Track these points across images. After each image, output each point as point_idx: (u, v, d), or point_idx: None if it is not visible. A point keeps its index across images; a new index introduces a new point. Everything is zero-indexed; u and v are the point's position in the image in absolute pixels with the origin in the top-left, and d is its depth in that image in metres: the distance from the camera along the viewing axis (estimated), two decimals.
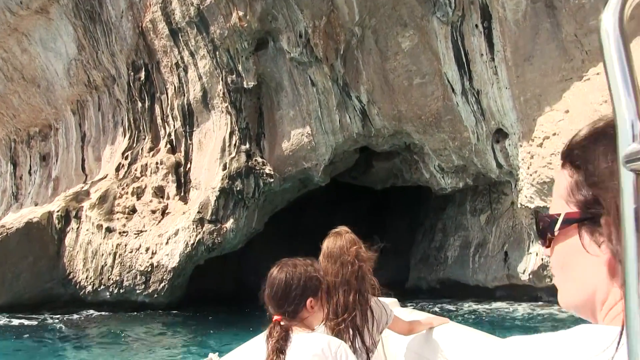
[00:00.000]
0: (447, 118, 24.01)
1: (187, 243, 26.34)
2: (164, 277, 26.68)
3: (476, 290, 28.99)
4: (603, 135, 1.13)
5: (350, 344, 3.73)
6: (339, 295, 3.88)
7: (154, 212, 28.06)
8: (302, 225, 40.59)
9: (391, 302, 5.07)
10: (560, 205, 1.19)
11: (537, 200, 21.80)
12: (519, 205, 23.46)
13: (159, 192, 29.03)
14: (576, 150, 1.18)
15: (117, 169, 30.57)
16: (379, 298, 4.29)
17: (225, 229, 26.66)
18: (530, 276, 24.26)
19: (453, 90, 23.49)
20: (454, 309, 26.91)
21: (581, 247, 1.14)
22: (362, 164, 31.84)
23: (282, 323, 3.08)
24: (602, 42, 0.89)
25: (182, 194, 28.30)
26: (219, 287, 36.28)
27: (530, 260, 24.58)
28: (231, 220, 26.76)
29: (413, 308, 6.50)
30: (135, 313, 26.85)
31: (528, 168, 21.81)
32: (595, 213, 1.12)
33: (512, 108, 22.25)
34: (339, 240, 4.11)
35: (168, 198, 28.73)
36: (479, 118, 23.36)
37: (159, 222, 27.64)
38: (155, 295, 26.85)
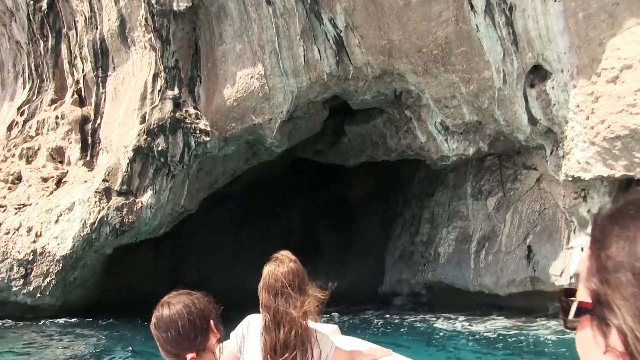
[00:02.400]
0: (460, 50, 16.04)
1: (84, 222, 17.94)
2: (50, 269, 18.11)
3: (479, 298, 20.99)
4: (622, 214, 1.06)
5: None
6: (279, 331, 3.45)
7: (45, 180, 19.54)
8: (253, 214, 32.39)
9: (332, 331, 4.84)
10: (581, 290, 1.11)
11: (600, 166, 14.05)
12: (562, 177, 15.50)
13: (57, 154, 20.50)
14: (596, 230, 1.10)
15: (9, 128, 21.84)
16: (318, 325, 3.63)
17: (140, 204, 18.29)
18: (573, 280, 16.18)
19: (472, 6, 15.47)
20: (445, 326, 18.90)
21: (594, 341, 1.05)
22: (330, 133, 23.67)
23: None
24: None
25: (88, 157, 19.80)
26: (148, 288, 27.81)
27: (572, 257, 16.57)
28: (149, 193, 18.40)
29: (363, 341, 4.99)
30: (10, 323, 18.24)
31: (588, 118, 13.98)
32: (603, 307, 1.03)
33: (562, 31, 14.36)
34: (280, 268, 3.53)
35: (69, 163, 20.17)
36: (509, 49, 15.44)
37: (51, 193, 19.01)
38: (39, 295, 18.21)
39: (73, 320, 19.18)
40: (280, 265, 3.56)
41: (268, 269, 3.58)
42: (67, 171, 19.88)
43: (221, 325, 2.82)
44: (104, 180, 18.38)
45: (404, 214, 27.05)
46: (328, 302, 3.58)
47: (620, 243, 1.02)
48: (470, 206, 21.82)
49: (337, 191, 32.29)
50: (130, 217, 18.12)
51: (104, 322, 19.42)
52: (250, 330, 3.57)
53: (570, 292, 1.15)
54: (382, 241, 29.17)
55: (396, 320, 20.31)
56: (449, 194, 23.47)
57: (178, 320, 2.62)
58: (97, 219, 17.96)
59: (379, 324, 19.38)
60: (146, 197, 18.43)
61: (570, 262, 16.58)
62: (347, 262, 31.60)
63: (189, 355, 2.63)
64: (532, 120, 15.96)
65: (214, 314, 2.79)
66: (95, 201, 18.09)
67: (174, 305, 2.67)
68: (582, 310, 1.07)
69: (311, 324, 3.52)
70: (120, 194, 18.34)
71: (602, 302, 1.02)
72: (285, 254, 3.66)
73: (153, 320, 2.67)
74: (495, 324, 18.64)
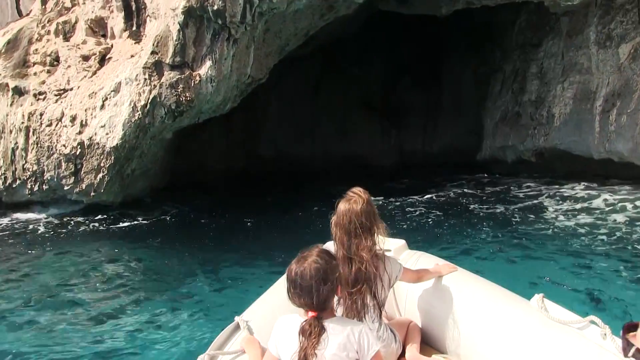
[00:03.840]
0: None
1: (133, 105, 14.62)
2: (101, 164, 15.00)
3: (606, 166, 17.05)
4: None
5: (364, 305, 3.70)
6: (351, 267, 3.68)
7: (86, 58, 16.12)
8: (329, 78, 28.46)
9: (400, 247, 5.02)
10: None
11: None
12: None
13: (98, 27, 17.01)
14: None
15: (44, 1, 18.22)
16: (387, 240, 4.05)
17: (198, 77, 14.79)
18: None
19: None
20: (558, 197, 15.37)
21: None
22: None
23: (317, 319, 2.90)
24: None
25: (134, 27, 16.15)
26: (221, 169, 24.96)
27: None
28: (208, 64, 14.84)
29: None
30: (78, 219, 15.61)
31: None
32: None
33: None
34: (354, 207, 3.73)
35: (112, 36, 16.64)
36: None
37: (94, 74, 15.63)
38: (93, 193, 15.23)
39: (131, 212, 16.38)
40: (355, 205, 3.71)
41: (342, 207, 3.73)
42: (112, 46, 16.40)
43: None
44: (153, 52, 14.81)
45: (503, 68, 22.76)
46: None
47: None
48: (595, 56, 17.46)
49: (420, 46, 27.88)
50: (187, 94, 14.65)
51: (169, 213, 16.57)
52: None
53: (633, 327, 1.09)
54: (477, 101, 25.11)
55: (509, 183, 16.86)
56: (563, 43, 19.07)
57: (314, 282, 2.86)
58: (149, 100, 14.57)
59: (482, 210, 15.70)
60: (205, 69, 14.84)
61: None
62: (438, 125, 27.72)
63: (311, 313, 2.90)
64: None
65: (338, 279, 2.98)
66: (145, 79, 14.63)
67: (312, 266, 2.88)
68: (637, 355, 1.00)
69: (376, 246, 3.76)
70: (173, 67, 14.79)
71: None
72: (358, 192, 3.79)
73: (292, 271, 2.93)
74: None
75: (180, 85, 14.64)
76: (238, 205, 17.76)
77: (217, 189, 22.20)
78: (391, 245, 4.72)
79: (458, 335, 4.02)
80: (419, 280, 4.33)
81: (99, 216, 15.83)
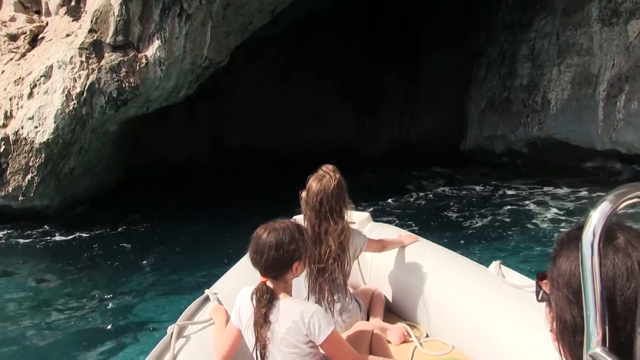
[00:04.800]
0: None
1: (67, 92, 12.07)
2: (30, 163, 12.39)
3: (612, 157, 14.96)
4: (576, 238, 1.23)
5: (331, 279, 3.78)
6: (320, 246, 3.73)
7: (14, 38, 13.50)
8: (299, 61, 26.00)
9: (364, 219, 5.07)
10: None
11: None
12: None
13: (30, 1, 14.27)
14: (558, 239, 1.39)
15: None
16: (353, 213, 4.09)
17: (144, 60, 12.32)
18: None
19: None
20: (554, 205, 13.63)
21: (547, 319, 1.41)
22: None
23: (268, 285, 2.91)
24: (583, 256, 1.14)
25: (73, 2, 13.42)
26: (183, 161, 22.56)
27: None
28: (156, 44, 12.38)
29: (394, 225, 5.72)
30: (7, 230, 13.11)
31: None
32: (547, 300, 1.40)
33: None
34: (319, 188, 3.73)
35: (47, 13, 14.02)
36: None
37: (22, 56, 13.06)
38: (22, 198, 12.69)
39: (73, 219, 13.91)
40: (326, 185, 3.70)
41: (314, 187, 3.72)
42: (46, 24, 13.81)
43: (307, 264, 3.07)
44: (91, 30, 12.24)
45: (488, 51, 20.56)
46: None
47: (567, 261, 1.29)
48: (597, 35, 15.26)
49: (397, 27, 25.53)
50: (132, 79, 12.13)
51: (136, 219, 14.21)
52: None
53: (544, 276, 1.40)
54: (459, 86, 22.85)
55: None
56: (558, 22, 16.88)
57: (264, 248, 2.87)
58: (86, 87, 12.01)
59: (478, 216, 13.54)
60: (152, 50, 12.32)
61: None
62: (416, 112, 25.44)
63: (261, 279, 2.91)
64: None
65: (299, 256, 2.94)
66: (81, 62, 12.07)
67: (270, 234, 2.89)
68: (544, 297, 1.39)
69: (345, 227, 3.78)
70: (115, 48, 12.23)
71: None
72: (329, 171, 3.79)
73: (253, 235, 2.95)
74: None
75: (123, 69, 12.10)
76: (198, 204, 15.60)
77: (177, 183, 19.84)
78: (356, 218, 4.67)
79: (421, 303, 4.13)
80: (383, 249, 4.38)
81: (32, 230, 13.21)
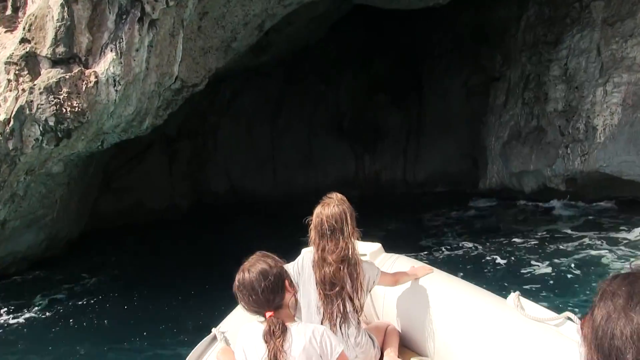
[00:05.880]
0: None
1: None
2: None
3: None
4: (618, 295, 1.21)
5: (341, 310, 3.63)
6: (324, 268, 3.61)
7: None
8: (291, 95, 23.11)
9: (376, 250, 4.78)
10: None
11: None
12: None
13: None
14: (600, 287, 1.30)
15: None
16: (363, 244, 4.23)
17: (94, 77, 9.02)
18: None
19: None
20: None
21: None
22: None
23: (277, 318, 2.82)
24: None
25: (9, 10, 10.30)
26: (162, 208, 19.66)
27: None
28: (110, 57, 9.21)
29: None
30: None
31: None
32: None
33: None
34: (328, 209, 3.66)
35: None
36: None
37: None
38: None
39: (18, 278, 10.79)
40: (327, 208, 3.66)
41: (317, 211, 3.68)
42: None
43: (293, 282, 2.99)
44: (23, 40, 9.11)
45: (506, 75, 17.55)
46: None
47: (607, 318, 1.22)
48: None
49: (398, 56, 22.72)
50: (75, 102, 8.93)
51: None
52: (305, 266, 3.64)
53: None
54: (471, 117, 19.87)
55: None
56: (598, 35, 13.92)
57: (257, 285, 2.79)
58: (13, 113, 8.82)
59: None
60: (105, 65, 9.16)
61: None
62: (421, 149, 22.31)
63: (268, 314, 2.81)
64: None
65: (287, 273, 2.93)
66: (8, 80, 8.91)
67: (253, 271, 2.83)
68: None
69: (351, 250, 3.64)
70: (55, 62, 9.10)
71: None
72: (332, 196, 3.76)
73: (235, 283, 2.84)
74: None
75: (64, 89, 8.93)
76: (177, 262, 12.73)
77: (155, 234, 17.01)
78: (367, 249, 4.55)
79: (436, 337, 3.97)
80: (396, 283, 4.21)
81: None
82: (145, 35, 9.54)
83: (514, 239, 12.47)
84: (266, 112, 22.86)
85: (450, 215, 16.63)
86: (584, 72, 14.13)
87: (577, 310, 7.01)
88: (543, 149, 14.76)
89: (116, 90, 9.30)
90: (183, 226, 18.89)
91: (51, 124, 8.86)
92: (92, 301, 9.96)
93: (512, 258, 11.19)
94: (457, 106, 20.83)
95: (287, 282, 2.87)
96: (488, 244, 12.55)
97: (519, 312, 3.59)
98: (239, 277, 2.82)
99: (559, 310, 3.60)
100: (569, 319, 3.34)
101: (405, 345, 4.21)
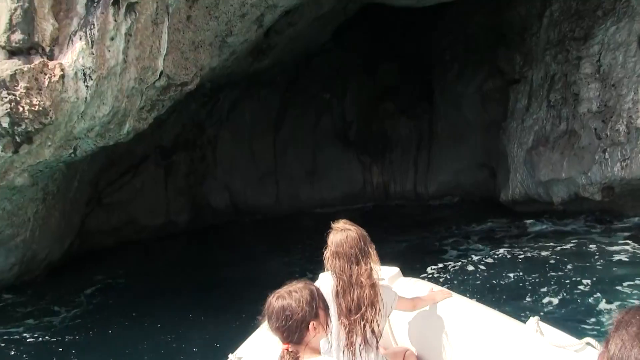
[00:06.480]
0: None
1: None
2: None
3: None
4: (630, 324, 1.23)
5: (362, 335, 3.54)
6: (353, 293, 3.53)
7: None
8: (294, 105, 21.73)
9: (393, 275, 4.74)
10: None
11: None
12: None
13: None
14: (616, 318, 1.29)
15: None
16: (381, 268, 3.86)
17: (60, 71, 7.34)
18: None
19: None
20: None
21: None
22: None
23: (290, 350, 2.74)
24: None
25: None
26: (158, 226, 18.22)
27: None
28: (78, 47, 7.42)
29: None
30: None
31: None
32: None
33: None
34: (344, 235, 3.57)
35: None
36: None
37: None
38: None
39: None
40: (350, 232, 3.55)
41: (340, 237, 3.56)
42: None
43: (326, 320, 2.82)
44: None
45: (527, 76, 15.94)
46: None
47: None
48: None
49: (406, 61, 21.29)
50: (36, 100, 7.30)
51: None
52: (324, 292, 3.19)
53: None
54: (487, 123, 18.30)
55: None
56: (638, 25, 12.29)
57: (275, 319, 2.71)
58: None
59: None
60: (73, 56, 7.54)
61: None
62: (432, 159, 20.73)
63: (284, 346, 2.74)
64: None
65: (315, 315, 2.77)
66: None
67: (278, 302, 2.72)
68: None
69: (374, 272, 3.58)
70: (12, 53, 7.50)
71: None
72: (346, 223, 3.66)
73: (266, 303, 2.77)
74: None
75: (22, 84, 7.28)
76: (173, 282, 12.08)
77: (149, 254, 15.77)
78: (385, 274, 4.43)
79: None
80: (414, 308, 4.15)
81: None
82: (122, 21, 7.91)
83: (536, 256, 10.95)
84: (268, 123, 21.50)
85: (466, 229, 15.10)
86: (621, 67, 12.51)
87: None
88: (576, 154, 13.08)
89: (87, 86, 7.66)
90: (180, 245, 18.10)
91: (5, 125, 7.20)
92: (56, 341, 8.31)
93: (537, 275, 9.67)
94: (470, 113, 19.25)
95: (313, 325, 2.73)
96: (509, 259, 11.05)
97: (538, 337, 3.53)
98: (269, 299, 2.77)
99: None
100: (589, 344, 3.24)
101: None
